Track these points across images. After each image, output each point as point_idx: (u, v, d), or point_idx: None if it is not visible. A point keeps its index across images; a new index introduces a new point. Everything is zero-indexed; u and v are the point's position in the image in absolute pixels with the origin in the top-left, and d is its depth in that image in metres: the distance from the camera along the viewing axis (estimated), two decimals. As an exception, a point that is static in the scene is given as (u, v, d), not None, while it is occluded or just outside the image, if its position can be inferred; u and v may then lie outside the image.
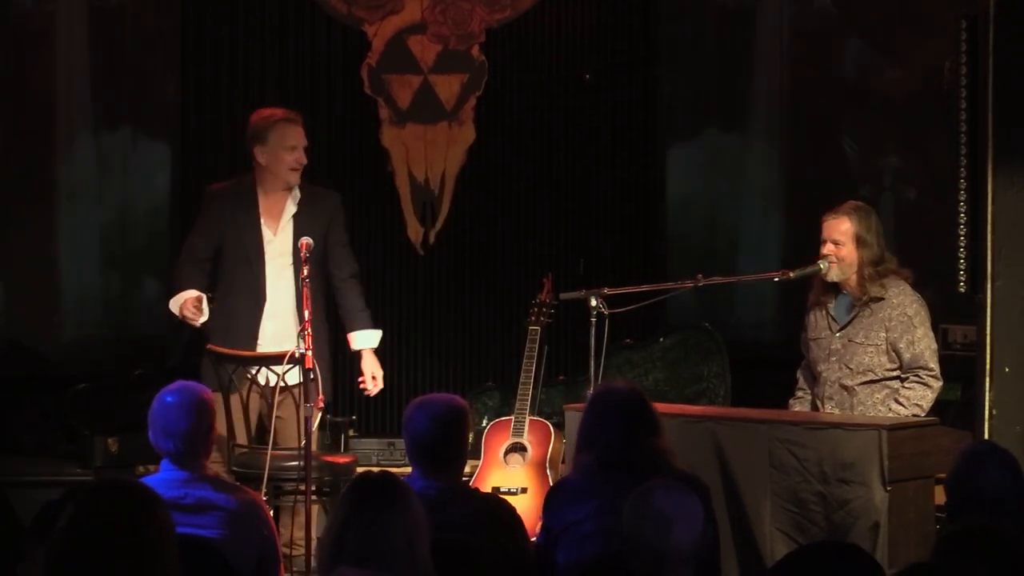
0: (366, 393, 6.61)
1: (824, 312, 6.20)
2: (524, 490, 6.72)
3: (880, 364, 6.05)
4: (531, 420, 6.90)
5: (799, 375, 6.38)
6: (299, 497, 5.85)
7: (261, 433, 6.26)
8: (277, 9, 8.25)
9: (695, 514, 3.77)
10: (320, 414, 6.03)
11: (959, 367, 6.53)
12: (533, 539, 4.69)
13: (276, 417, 6.17)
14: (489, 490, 6.56)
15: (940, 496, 5.14)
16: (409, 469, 4.54)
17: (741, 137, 8.62)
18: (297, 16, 8.26)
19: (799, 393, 6.35)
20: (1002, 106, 5.89)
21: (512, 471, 6.82)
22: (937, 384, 6.03)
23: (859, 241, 6.09)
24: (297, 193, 6.43)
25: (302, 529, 5.82)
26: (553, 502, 4.56)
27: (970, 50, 6.00)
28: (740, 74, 8.59)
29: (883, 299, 6.07)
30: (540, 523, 4.76)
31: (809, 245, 6.31)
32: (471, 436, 5.06)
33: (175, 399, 4.51)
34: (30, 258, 8.20)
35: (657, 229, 8.53)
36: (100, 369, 8.00)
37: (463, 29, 8.27)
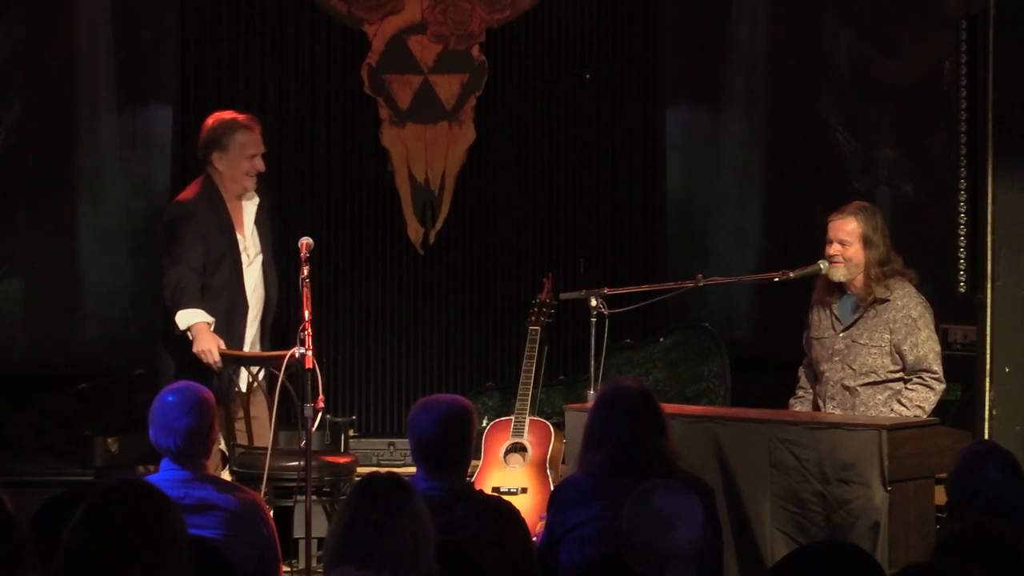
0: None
1: (828, 312, 6.20)
2: (524, 490, 6.72)
3: (883, 365, 6.05)
4: (531, 420, 6.90)
5: (801, 373, 6.38)
6: (299, 497, 5.85)
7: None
8: (277, 9, 8.25)
9: (695, 514, 3.77)
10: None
11: (959, 367, 6.53)
12: (533, 539, 4.69)
13: (253, 418, 6.19)
14: (489, 490, 6.56)
15: (940, 496, 5.14)
16: (411, 469, 4.54)
17: (741, 137, 8.62)
18: (297, 16, 8.26)
19: (800, 392, 6.35)
20: (1002, 106, 5.90)
21: (512, 471, 6.82)
22: (940, 387, 6.03)
23: (866, 241, 6.08)
24: (254, 195, 6.43)
25: None
26: (557, 502, 4.55)
27: (970, 50, 6.01)
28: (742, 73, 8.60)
29: (888, 301, 6.06)
30: (541, 523, 4.76)
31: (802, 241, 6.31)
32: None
33: (176, 398, 4.52)
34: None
35: (657, 229, 8.53)
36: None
37: (463, 29, 8.27)
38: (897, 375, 6.06)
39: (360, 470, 6.39)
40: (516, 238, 8.37)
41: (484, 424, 7.23)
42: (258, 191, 6.50)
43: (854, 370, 6.08)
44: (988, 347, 5.93)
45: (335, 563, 3.41)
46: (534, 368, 6.95)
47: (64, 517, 3.20)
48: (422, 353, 8.28)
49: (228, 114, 6.45)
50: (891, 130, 8.18)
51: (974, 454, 4.21)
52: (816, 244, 6.27)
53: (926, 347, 6.02)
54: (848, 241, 6.09)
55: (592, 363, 6.14)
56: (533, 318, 7.10)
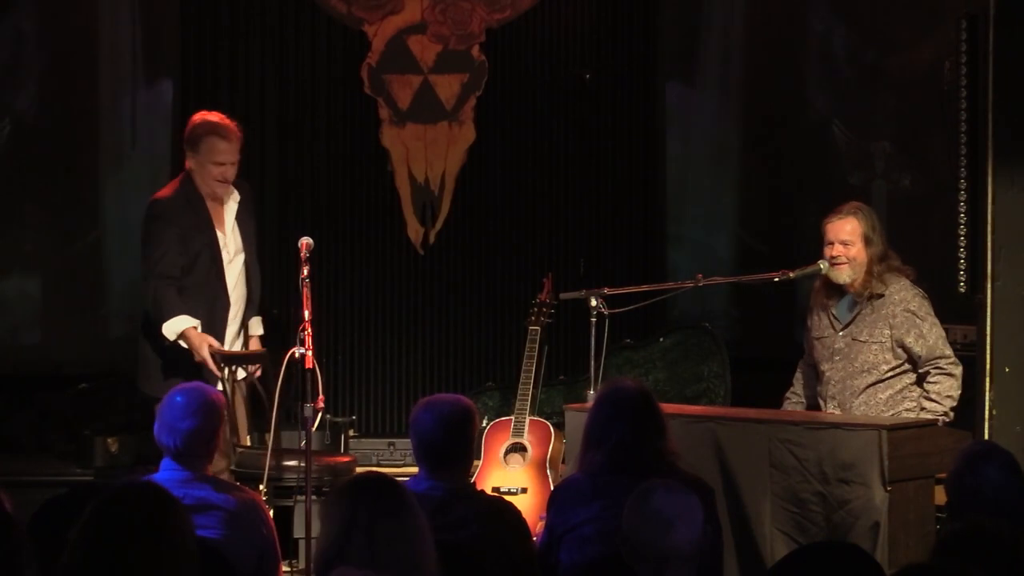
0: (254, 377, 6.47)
1: (827, 312, 6.20)
2: (524, 490, 6.71)
3: (884, 361, 6.05)
4: (531, 420, 6.90)
5: (797, 375, 6.38)
6: (299, 497, 5.85)
7: None
8: (277, 9, 8.26)
9: (695, 515, 3.77)
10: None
11: (959, 367, 6.52)
12: (533, 539, 4.69)
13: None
14: (489, 490, 6.56)
15: (940, 496, 5.14)
16: (411, 469, 4.53)
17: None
18: (297, 16, 8.26)
19: (792, 397, 6.36)
20: (1002, 106, 5.90)
21: (512, 471, 6.82)
22: (958, 370, 6.01)
23: (866, 240, 6.09)
24: (235, 192, 6.43)
25: None
26: (558, 502, 4.55)
27: (970, 50, 6.01)
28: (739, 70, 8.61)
29: (883, 296, 6.06)
30: (542, 523, 4.76)
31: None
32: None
33: (184, 398, 4.53)
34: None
35: (658, 229, 8.53)
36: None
37: (463, 29, 8.27)
38: (898, 371, 6.06)
39: (360, 470, 6.39)
40: (516, 238, 8.37)
41: (484, 424, 7.23)
42: (240, 188, 6.48)
43: (855, 368, 6.08)
44: (988, 347, 5.93)
45: (331, 566, 3.38)
46: (534, 368, 6.95)
47: (62, 518, 3.20)
48: (422, 353, 8.28)
49: (212, 116, 6.39)
50: (888, 123, 8.18)
51: (974, 454, 4.21)
52: (804, 236, 6.26)
53: (933, 335, 6.01)
54: (850, 241, 6.08)
55: (592, 363, 6.14)
56: (533, 318, 7.10)
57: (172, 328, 6.17)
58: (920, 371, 6.04)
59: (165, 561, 3.09)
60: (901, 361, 6.05)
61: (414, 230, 8.27)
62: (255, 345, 6.52)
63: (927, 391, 6.00)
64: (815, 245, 6.21)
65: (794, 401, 6.36)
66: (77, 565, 3.06)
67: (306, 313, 5.94)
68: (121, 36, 8.26)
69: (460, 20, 8.26)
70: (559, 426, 6.73)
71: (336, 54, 8.29)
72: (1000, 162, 5.90)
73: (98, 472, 7.43)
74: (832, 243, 6.11)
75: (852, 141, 8.29)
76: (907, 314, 6.02)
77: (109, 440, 7.55)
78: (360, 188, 8.27)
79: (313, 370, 5.82)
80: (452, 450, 4.44)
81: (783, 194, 8.50)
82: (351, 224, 8.27)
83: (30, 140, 8.18)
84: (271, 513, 5.25)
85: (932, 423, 5.80)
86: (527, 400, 6.90)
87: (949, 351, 6.03)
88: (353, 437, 7.54)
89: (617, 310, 6.29)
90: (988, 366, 5.91)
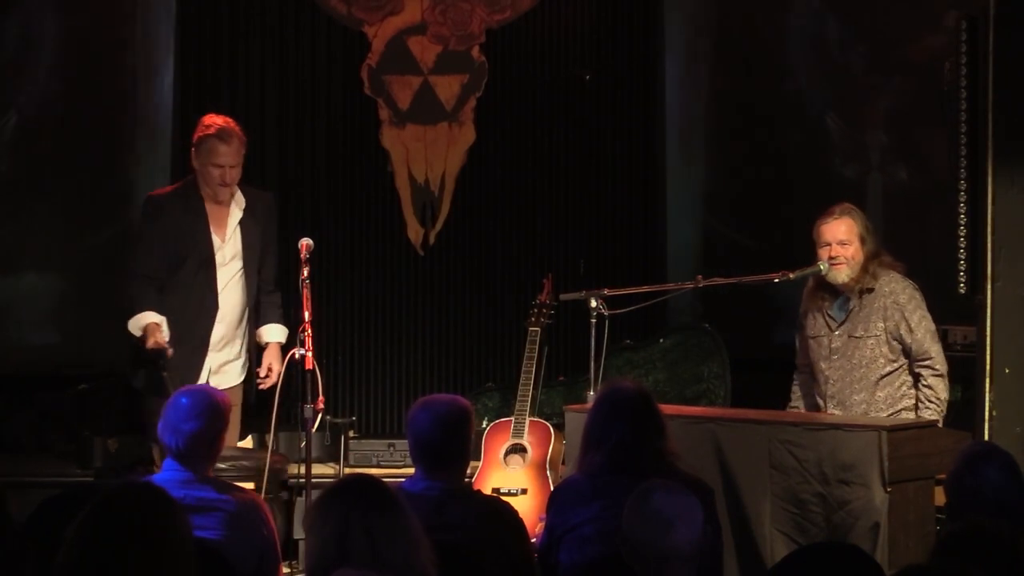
0: (260, 385, 6.49)
1: (823, 312, 6.22)
2: (524, 491, 6.72)
3: (882, 354, 6.07)
4: (531, 421, 6.90)
5: (794, 385, 6.39)
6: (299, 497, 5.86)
7: None
8: (277, 9, 8.26)
9: (695, 515, 3.77)
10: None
11: (959, 367, 6.52)
12: (533, 540, 4.69)
13: None
14: (489, 491, 6.56)
15: (940, 497, 5.14)
16: (411, 470, 4.53)
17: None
18: (297, 16, 8.26)
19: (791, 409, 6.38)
20: (1002, 106, 5.90)
21: (512, 472, 6.82)
22: (944, 367, 6.05)
23: (862, 239, 6.14)
24: (242, 199, 6.44)
25: None
26: (557, 503, 4.55)
27: (970, 50, 6.00)
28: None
29: (874, 289, 6.10)
30: (541, 524, 4.76)
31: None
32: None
33: (189, 400, 4.54)
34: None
35: (658, 230, 8.53)
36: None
37: (463, 30, 8.27)
38: (896, 366, 6.07)
39: (360, 471, 6.39)
40: (516, 238, 8.37)
41: (484, 425, 7.23)
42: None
43: (854, 364, 6.10)
44: (988, 348, 5.93)
45: (327, 570, 3.36)
46: (534, 369, 6.95)
47: (60, 518, 3.20)
48: (422, 353, 8.28)
49: (216, 119, 6.42)
50: (883, 114, 8.17)
51: (973, 455, 4.21)
52: (792, 228, 6.27)
53: (921, 328, 6.05)
54: (847, 240, 6.12)
55: (592, 364, 6.14)
56: (533, 319, 7.10)
57: (135, 324, 6.24)
58: (914, 370, 6.06)
59: (162, 561, 3.09)
60: (897, 355, 6.07)
61: (414, 231, 8.27)
62: (271, 353, 6.51)
63: (922, 396, 6.03)
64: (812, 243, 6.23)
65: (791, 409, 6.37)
66: (74, 565, 3.06)
67: (306, 314, 5.95)
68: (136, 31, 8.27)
69: (460, 21, 8.26)
70: (559, 427, 6.73)
71: (336, 55, 8.29)
72: (1000, 162, 5.90)
73: (98, 472, 7.43)
74: (829, 244, 6.13)
75: (847, 132, 8.29)
76: (896, 306, 6.07)
77: (109, 440, 7.55)
78: (360, 189, 8.27)
79: (313, 371, 5.82)
80: (449, 450, 4.44)
81: (780, 191, 8.50)
82: (351, 224, 8.27)
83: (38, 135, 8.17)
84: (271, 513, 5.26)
85: (932, 424, 5.82)
86: (527, 401, 6.91)
87: (935, 348, 6.06)
88: (353, 438, 7.54)
89: (617, 311, 6.29)
90: (988, 367, 5.91)
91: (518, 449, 6.88)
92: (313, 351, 5.90)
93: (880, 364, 6.07)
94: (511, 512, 4.50)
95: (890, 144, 8.15)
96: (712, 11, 8.58)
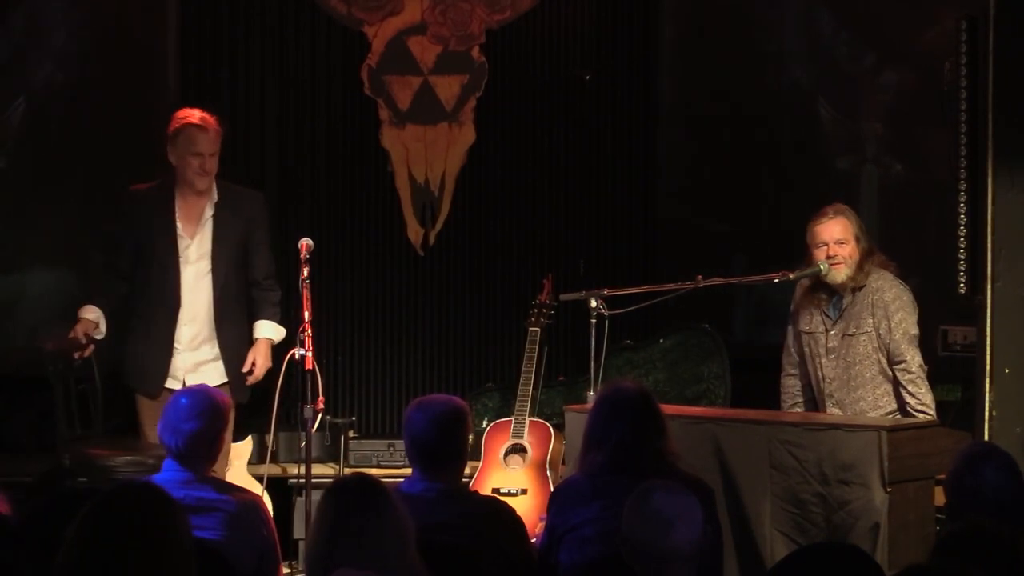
0: (246, 381, 6.50)
1: (820, 311, 6.23)
2: (524, 491, 6.72)
3: (876, 350, 6.08)
4: (531, 421, 6.91)
5: (785, 387, 6.39)
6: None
7: None
8: (277, 9, 8.25)
9: (695, 515, 3.77)
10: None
11: (959, 368, 6.53)
12: (533, 540, 4.69)
13: None
14: (489, 491, 6.56)
15: (940, 497, 5.14)
16: (409, 471, 4.54)
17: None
18: (297, 16, 8.26)
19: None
20: (1002, 106, 5.90)
21: (512, 472, 6.82)
22: (920, 369, 6.06)
23: (857, 238, 6.17)
24: (215, 195, 6.44)
25: None
26: (558, 503, 4.55)
27: (970, 50, 6.00)
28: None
29: (864, 287, 6.13)
30: (541, 524, 4.76)
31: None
32: (471, 437, 5.06)
33: (188, 400, 4.56)
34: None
35: (657, 230, 8.53)
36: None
37: (463, 30, 8.27)
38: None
39: (360, 471, 6.38)
40: (516, 239, 8.37)
41: (484, 425, 7.23)
42: (230, 194, 6.50)
43: (849, 362, 6.11)
44: (988, 348, 5.93)
45: (322, 570, 3.37)
46: (534, 369, 6.95)
47: (58, 518, 3.19)
48: (422, 354, 8.28)
49: (192, 111, 6.46)
50: (879, 105, 8.17)
51: (973, 455, 4.21)
52: (792, 228, 6.28)
53: (899, 330, 6.07)
54: (844, 240, 6.15)
55: (592, 364, 6.14)
56: (533, 319, 7.11)
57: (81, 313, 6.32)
58: (892, 372, 6.06)
59: (162, 561, 3.09)
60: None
61: (414, 231, 8.26)
62: (261, 347, 6.50)
63: (913, 405, 6.03)
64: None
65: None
66: (73, 565, 3.06)
67: (306, 314, 5.95)
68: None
69: (460, 21, 8.26)
70: (559, 427, 6.73)
71: (336, 55, 8.29)
72: (1000, 162, 5.90)
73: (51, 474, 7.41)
74: (826, 244, 6.15)
75: (841, 122, 8.28)
76: (882, 303, 6.10)
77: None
78: (360, 189, 8.27)
79: (313, 371, 5.82)
80: (445, 450, 4.44)
81: (780, 191, 8.50)
82: (351, 225, 8.27)
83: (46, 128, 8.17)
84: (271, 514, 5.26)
85: (932, 424, 5.82)
86: (527, 401, 6.91)
87: (911, 351, 6.07)
88: (353, 438, 7.54)
89: (617, 311, 6.29)
90: (988, 367, 5.91)
91: (518, 449, 6.89)
92: (313, 351, 5.90)
93: (874, 360, 6.09)
94: (509, 512, 4.50)
95: (885, 133, 8.13)
96: (712, 11, 8.57)
